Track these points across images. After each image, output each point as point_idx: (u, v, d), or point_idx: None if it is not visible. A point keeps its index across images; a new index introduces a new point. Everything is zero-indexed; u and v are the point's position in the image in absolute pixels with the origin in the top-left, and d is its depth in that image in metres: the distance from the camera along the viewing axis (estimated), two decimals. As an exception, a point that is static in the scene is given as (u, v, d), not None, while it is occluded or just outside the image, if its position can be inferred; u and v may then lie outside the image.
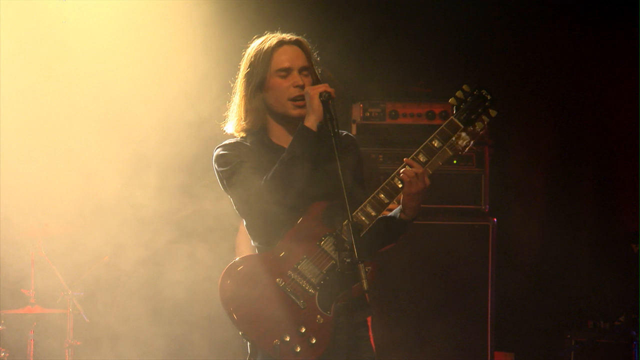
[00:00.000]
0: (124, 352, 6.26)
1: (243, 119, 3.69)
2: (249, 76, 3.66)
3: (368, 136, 5.87)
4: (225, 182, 3.64)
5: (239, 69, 3.71)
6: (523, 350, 6.50)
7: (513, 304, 6.47)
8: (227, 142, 3.70)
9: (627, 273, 6.29)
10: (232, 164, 3.60)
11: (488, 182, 5.92)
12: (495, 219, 5.88)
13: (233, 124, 3.73)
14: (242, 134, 3.72)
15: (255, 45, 3.69)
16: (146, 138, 6.20)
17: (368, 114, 6.00)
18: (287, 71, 3.62)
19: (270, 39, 3.66)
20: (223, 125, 3.78)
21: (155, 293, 6.29)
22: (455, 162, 5.90)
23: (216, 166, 3.67)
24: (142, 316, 6.30)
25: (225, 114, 3.78)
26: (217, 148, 3.69)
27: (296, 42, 3.67)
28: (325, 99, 3.48)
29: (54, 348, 6.14)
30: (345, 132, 3.76)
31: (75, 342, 5.98)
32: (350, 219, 3.31)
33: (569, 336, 6.10)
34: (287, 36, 3.68)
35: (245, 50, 3.72)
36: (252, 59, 3.66)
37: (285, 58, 3.63)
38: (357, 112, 6.00)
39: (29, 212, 5.99)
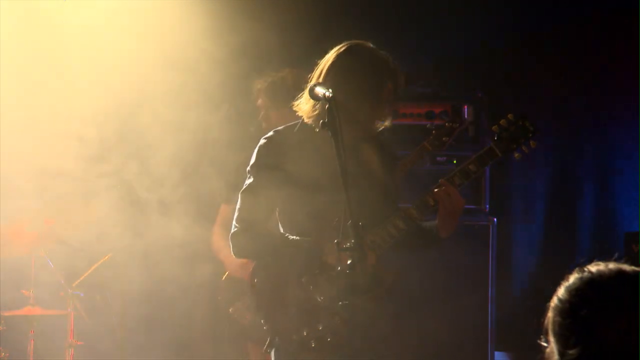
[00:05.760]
0: (124, 351, 6.26)
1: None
2: (375, 80, 3.63)
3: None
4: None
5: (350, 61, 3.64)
6: (523, 350, 6.50)
7: (513, 304, 6.47)
8: (274, 131, 3.69)
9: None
10: (252, 170, 3.66)
11: (488, 182, 5.92)
12: (495, 219, 5.88)
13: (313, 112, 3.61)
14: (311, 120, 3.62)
15: (383, 54, 3.68)
16: (147, 134, 6.19)
17: (368, 114, 5.99)
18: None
19: (388, 55, 3.68)
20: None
21: (156, 292, 6.29)
22: (455, 162, 5.90)
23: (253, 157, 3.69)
24: (142, 316, 6.30)
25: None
26: (264, 138, 3.69)
27: None
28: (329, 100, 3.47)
29: (54, 348, 6.14)
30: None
31: (75, 342, 5.98)
32: (352, 219, 3.31)
33: (569, 336, 6.08)
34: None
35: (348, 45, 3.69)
36: (380, 66, 3.65)
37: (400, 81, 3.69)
38: (357, 112, 5.99)
39: (29, 211, 5.99)
